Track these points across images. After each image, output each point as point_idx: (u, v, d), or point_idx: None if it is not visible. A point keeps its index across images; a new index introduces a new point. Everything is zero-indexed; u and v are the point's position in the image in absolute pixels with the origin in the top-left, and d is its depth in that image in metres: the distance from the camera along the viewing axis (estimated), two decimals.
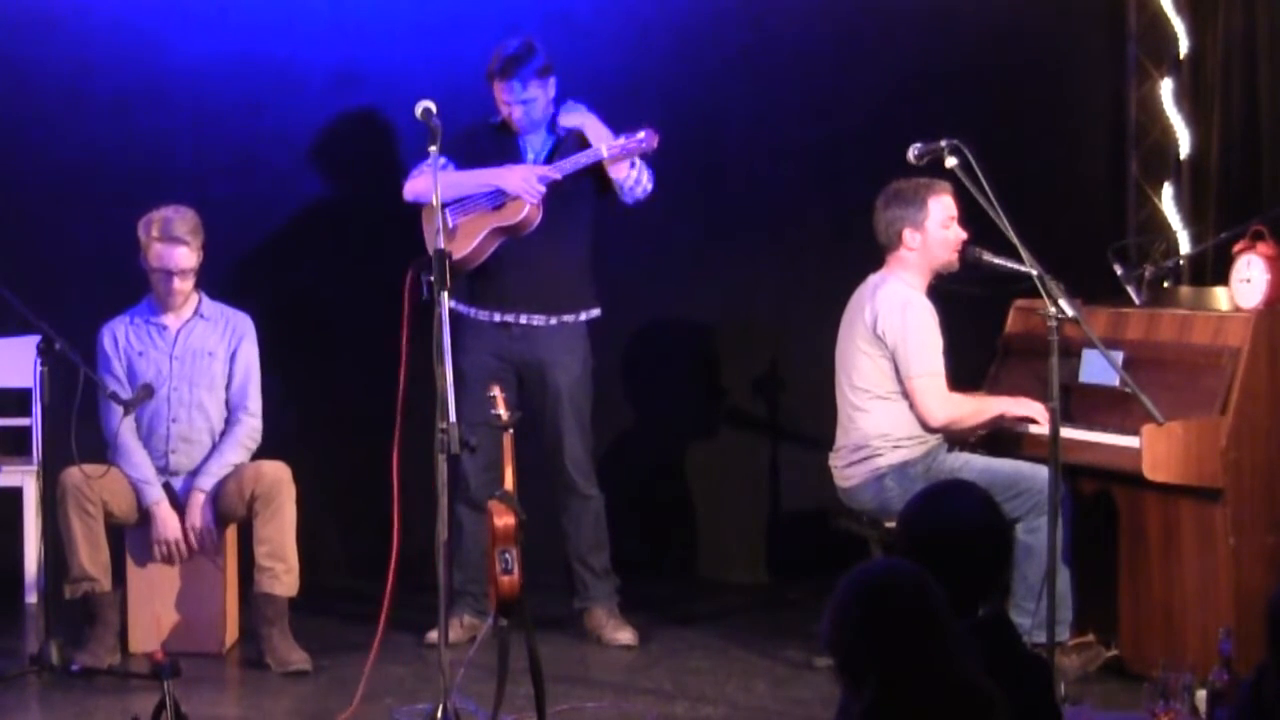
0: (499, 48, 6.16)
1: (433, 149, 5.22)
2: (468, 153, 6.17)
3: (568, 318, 6.25)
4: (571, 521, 6.31)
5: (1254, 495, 5.43)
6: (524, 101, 6.13)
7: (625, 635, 6.25)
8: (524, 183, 6.05)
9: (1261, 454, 5.43)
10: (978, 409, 5.82)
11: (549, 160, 6.18)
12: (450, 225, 6.10)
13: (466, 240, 6.10)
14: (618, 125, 6.11)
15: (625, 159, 6.08)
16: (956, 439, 5.88)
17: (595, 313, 6.31)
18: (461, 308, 6.17)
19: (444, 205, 5.97)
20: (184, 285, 6.06)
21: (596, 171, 6.13)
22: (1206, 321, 5.59)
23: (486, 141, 6.23)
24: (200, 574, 6.08)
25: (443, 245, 5.15)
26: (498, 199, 6.12)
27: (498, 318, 6.21)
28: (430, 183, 5.66)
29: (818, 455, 6.12)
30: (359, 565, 7.11)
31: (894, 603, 3.18)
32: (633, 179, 6.11)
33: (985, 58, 7.23)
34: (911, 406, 5.75)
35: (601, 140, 6.09)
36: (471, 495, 6.15)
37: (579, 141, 6.16)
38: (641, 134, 6.05)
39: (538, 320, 6.21)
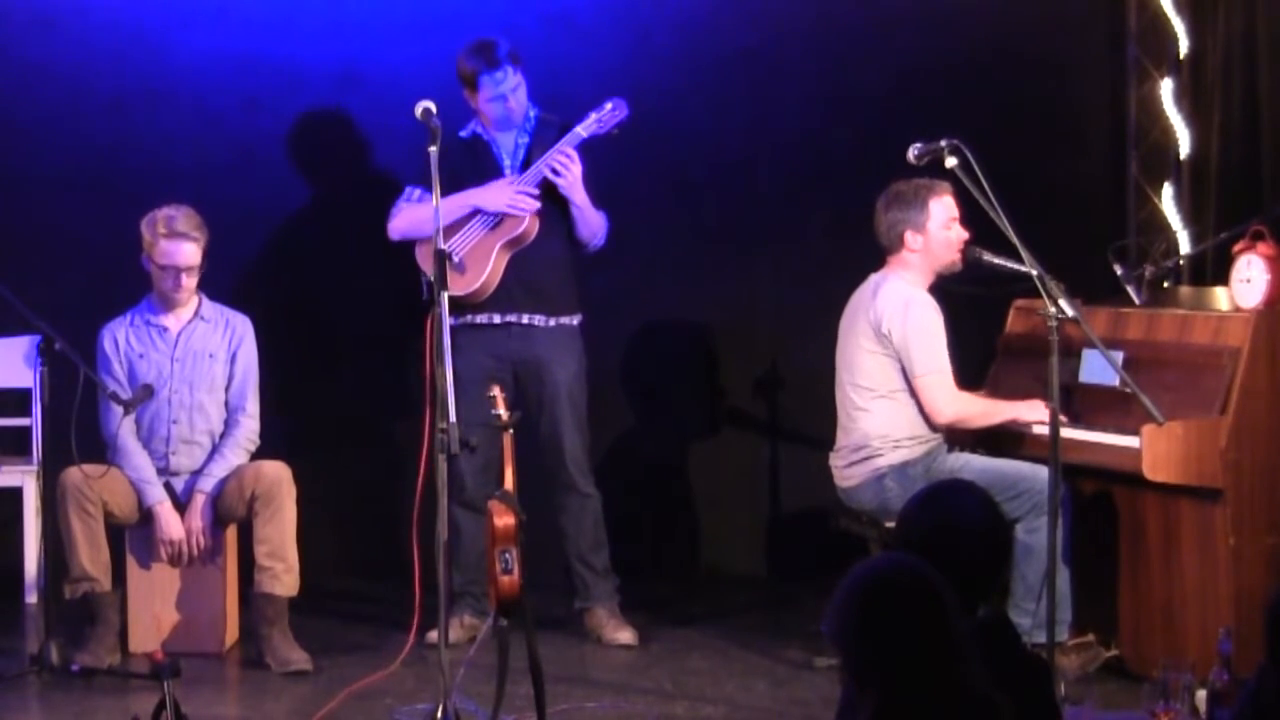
0: (461, 55, 6.15)
1: (432, 149, 5.20)
2: (442, 172, 6.11)
3: (564, 320, 6.24)
4: (571, 521, 6.30)
5: (1254, 495, 5.43)
6: (515, 90, 6.12)
7: (625, 635, 6.24)
8: (508, 200, 6.04)
9: (1261, 454, 5.42)
10: (988, 410, 5.81)
11: (526, 160, 6.17)
12: (456, 262, 6.04)
13: (479, 266, 6.06)
14: (618, 127, 6.10)
15: (602, 135, 6.07)
16: (957, 439, 5.88)
17: (579, 319, 6.29)
18: (458, 319, 6.10)
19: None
20: (190, 283, 6.05)
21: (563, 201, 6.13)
22: (1206, 321, 5.59)
23: (459, 157, 6.11)
24: (200, 574, 6.08)
25: (441, 245, 5.13)
26: (493, 217, 6.10)
27: (497, 319, 6.19)
28: (412, 217, 5.99)
29: (818, 455, 6.11)
30: (359, 565, 7.11)
31: (897, 610, 3.11)
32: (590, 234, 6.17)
33: (985, 58, 7.22)
34: (919, 404, 5.75)
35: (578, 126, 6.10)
36: (467, 496, 6.13)
37: (558, 128, 6.15)
38: (610, 104, 6.06)
39: (538, 320, 6.20)
